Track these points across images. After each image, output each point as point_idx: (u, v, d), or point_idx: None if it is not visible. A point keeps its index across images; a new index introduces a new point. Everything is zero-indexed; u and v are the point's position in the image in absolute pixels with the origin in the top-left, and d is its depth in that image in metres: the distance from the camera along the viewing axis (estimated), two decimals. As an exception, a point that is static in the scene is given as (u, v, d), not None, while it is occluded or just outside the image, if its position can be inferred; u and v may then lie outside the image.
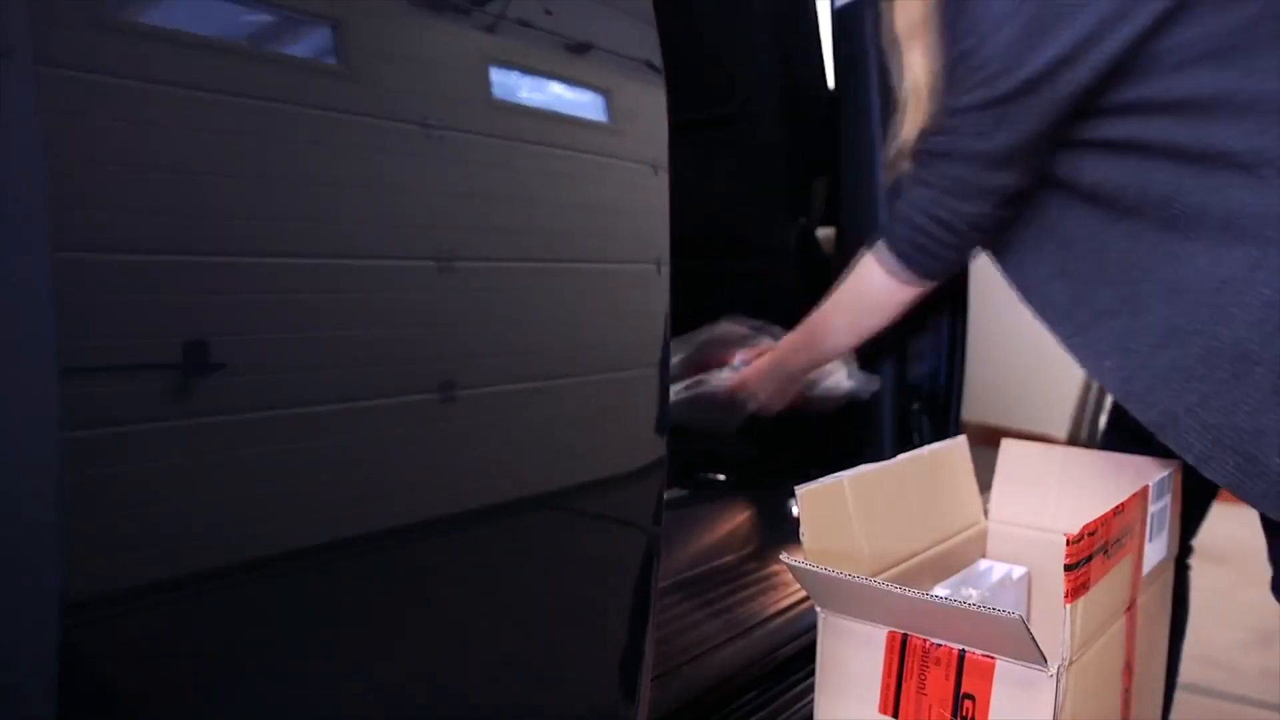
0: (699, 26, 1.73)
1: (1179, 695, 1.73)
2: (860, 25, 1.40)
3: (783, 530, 1.47)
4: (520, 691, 0.70)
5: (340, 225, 0.56)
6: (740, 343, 1.42)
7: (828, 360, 1.31)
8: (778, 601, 1.22)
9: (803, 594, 1.22)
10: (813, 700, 0.87)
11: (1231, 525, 2.35)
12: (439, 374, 0.61)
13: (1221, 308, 0.90)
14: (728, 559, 1.38)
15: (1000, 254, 1.09)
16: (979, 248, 1.10)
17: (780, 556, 0.81)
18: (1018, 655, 0.72)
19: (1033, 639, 0.69)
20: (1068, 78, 0.91)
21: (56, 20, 0.44)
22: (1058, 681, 0.71)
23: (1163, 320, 0.94)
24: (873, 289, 1.14)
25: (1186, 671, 1.81)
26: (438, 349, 0.61)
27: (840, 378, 1.50)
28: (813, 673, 0.87)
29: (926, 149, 1.04)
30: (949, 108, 0.99)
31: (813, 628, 0.86)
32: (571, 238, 0.71)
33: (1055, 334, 1.05)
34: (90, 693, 0.46)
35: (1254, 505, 0.95)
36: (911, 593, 0.74)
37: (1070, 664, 0.73)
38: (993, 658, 0.73)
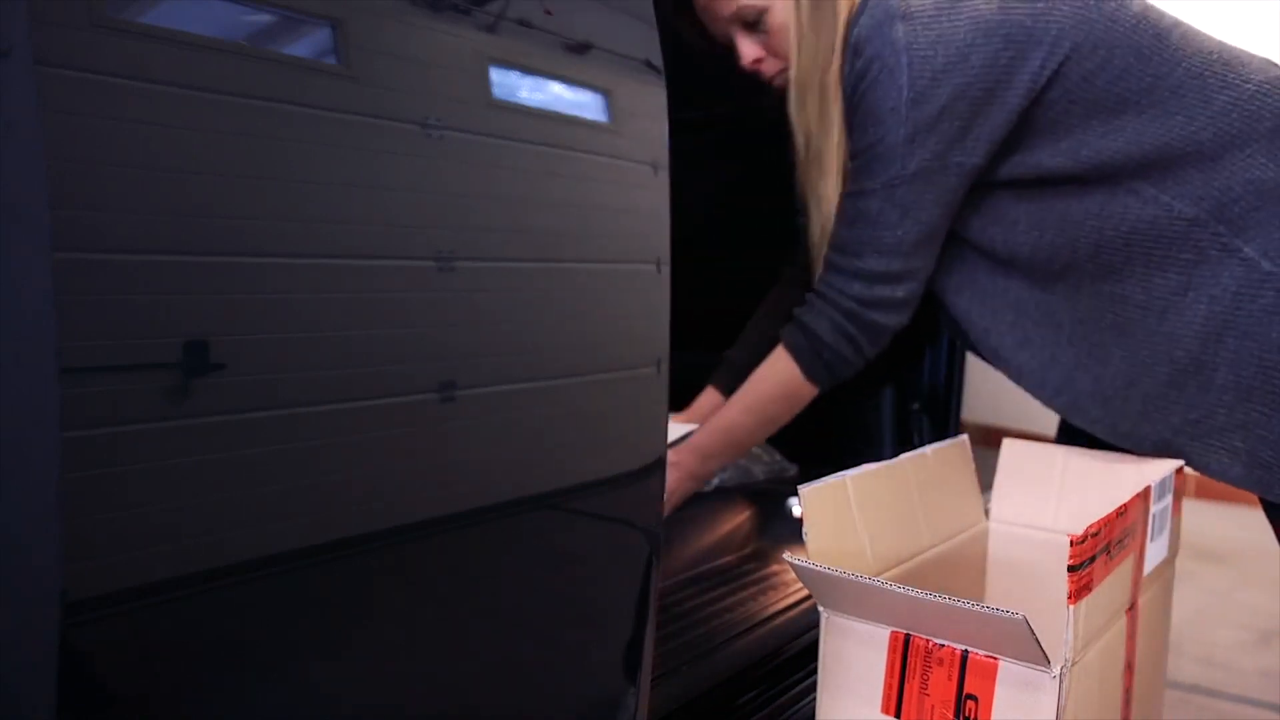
0: (699, 25, 1.73)
1: (1179, 694, 1.73)
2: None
3: (783, 529, 1.47)
4: (519, 692, 0.70)
5: (340, 225, 0.56)
6: None
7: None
8: (778, 601, 1.22)
9: (802, 594, 1.22)
10: (813, 700, 0.87)
11: (1231, 526, 2.35)
12: (439, 374, 0.61)
13: (1168, 334, 1.00)
14: (728, 559, 1.37)
15: (967, 329, 1.13)
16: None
17: (784, 556, 0.81)
18: (1021, 656, 0.72)
19: (1036, 639, 0.69)
20: (957, 161, 1.00)
21: (56, 20, 0.44)
22: (1060, 682, 0.71)
23: (1124, 361, 1.03)
24: (784, 387, 1.14)
25: (1186, 671, 1.81)
26: (438, 349, 0.61)
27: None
28: (812, 673, 0.87)
29: (832, 251, 1.10)
30: (856, 190, 1.06)
31: (812, 628, 0.86)
32: (572, 238, 0.71)
33: (1037, 397, 1.11)
34: (90, 693, 0.46)
35: (1265, 495, 1.00)
36: (915, 592, 0.74)
37: (1073, 665, 0.73)
38: (995, 658, 0.73)
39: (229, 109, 0.51)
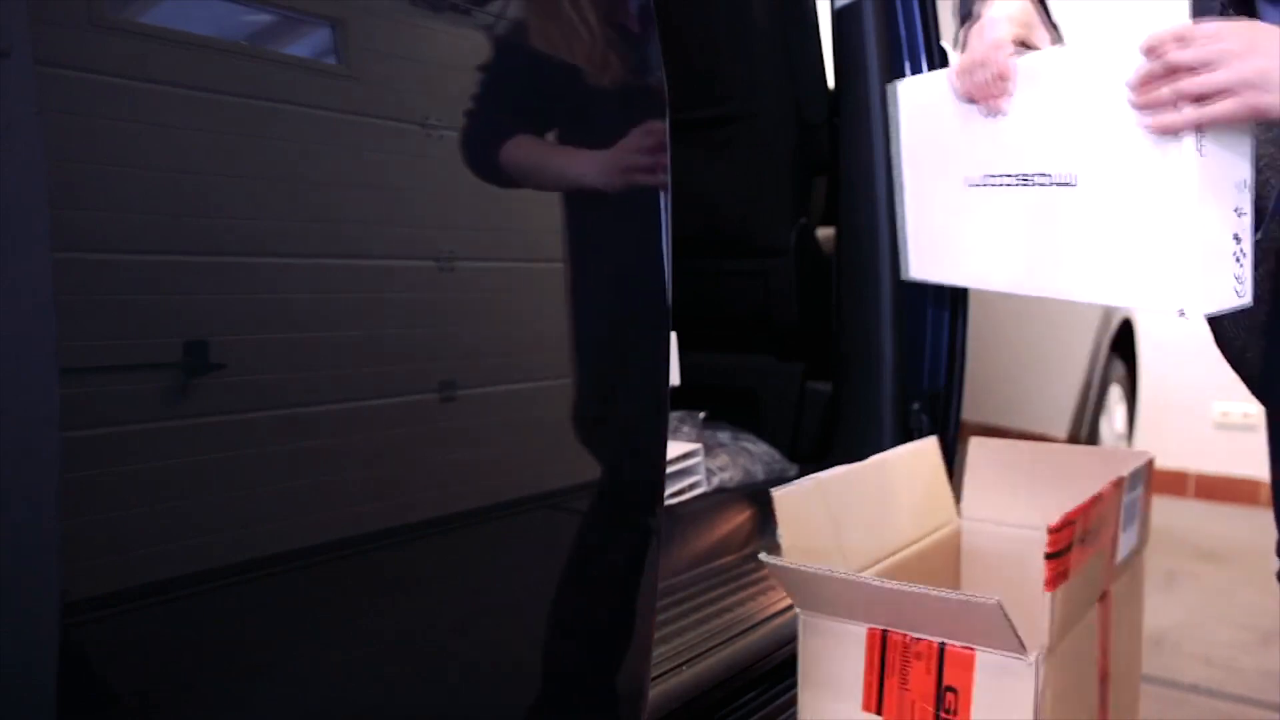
0: (700, 26, 1.73)
1: (1179, 694, 1.73)
2: (860, 25, 1.40)
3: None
4: (519, 692, 0.70)
5: (340, 225, 0.56)
6: None
7: None
8: (777, 602, 1.22)
9: (802, 594, 1.22)
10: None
11: (1231, 525, 2.35)
12: (439, 374, 0.61)
13: None
14: (728, 559, 1.37)
15: None
16: None
17: (760, 557, 0.82)
18: (997, 644, 0.72)
19: (1010, 625, 0.70)
20: None
21: (56, 20, 0.44)
22: (1037, 669, 0.72)
23: None
24: None
25: (1186, 671, 1.81)
26: (438, 349, 0.61)
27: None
28: (810, 673, 0.87)
29: None
30: None
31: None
32: (571, 237, 0.71)
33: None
34: (90, 691, 0.46)
35: None
36: (890, 584, 0.75)
37: (1049, 651, 0.73)
38: (973, 649, 0.74)
39: (229, 109, 0.51)
